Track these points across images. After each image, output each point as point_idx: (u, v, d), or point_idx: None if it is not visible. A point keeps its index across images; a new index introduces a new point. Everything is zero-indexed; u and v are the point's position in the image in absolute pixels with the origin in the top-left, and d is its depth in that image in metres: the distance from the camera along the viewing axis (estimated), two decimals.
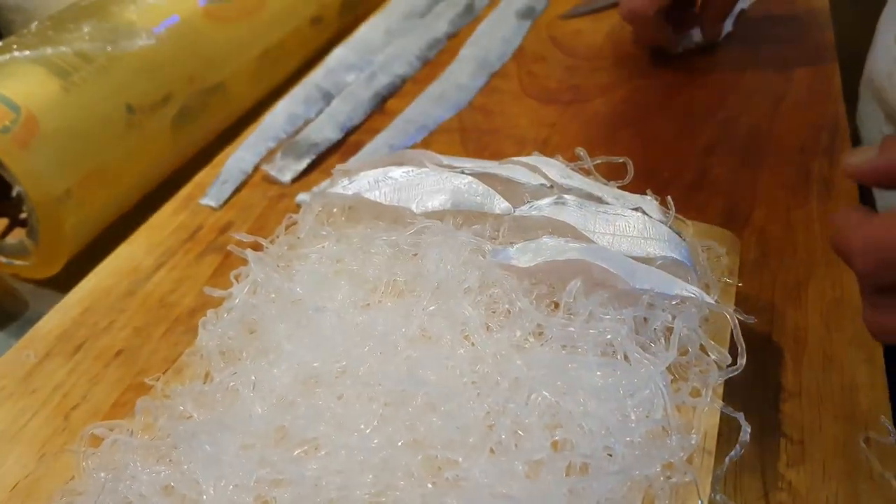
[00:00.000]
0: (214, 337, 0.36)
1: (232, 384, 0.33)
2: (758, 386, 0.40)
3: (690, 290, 0.34)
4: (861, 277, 0.34)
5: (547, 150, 0.58)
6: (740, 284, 0.40)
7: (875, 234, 0.32)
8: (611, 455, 0.28)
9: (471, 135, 0.60)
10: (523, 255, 0.34)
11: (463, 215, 0.38)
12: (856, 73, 0.67)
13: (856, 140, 0.64)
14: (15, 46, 0.51)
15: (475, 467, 0.28)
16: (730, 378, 0.35)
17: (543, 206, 0.36)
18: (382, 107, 0.63)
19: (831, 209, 0.52)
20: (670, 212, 0.38)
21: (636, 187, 0.42)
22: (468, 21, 0.74)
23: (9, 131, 0.46)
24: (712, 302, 0.34)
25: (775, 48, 0.69)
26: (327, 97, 0.63)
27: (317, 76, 0.65)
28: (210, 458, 0.29)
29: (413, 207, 0.38)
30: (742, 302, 0.41)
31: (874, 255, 0.32)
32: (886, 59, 0.61)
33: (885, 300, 0.33)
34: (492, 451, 0.29)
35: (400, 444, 0.29)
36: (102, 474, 0.31)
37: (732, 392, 0.38)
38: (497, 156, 0.57)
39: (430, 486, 0.28)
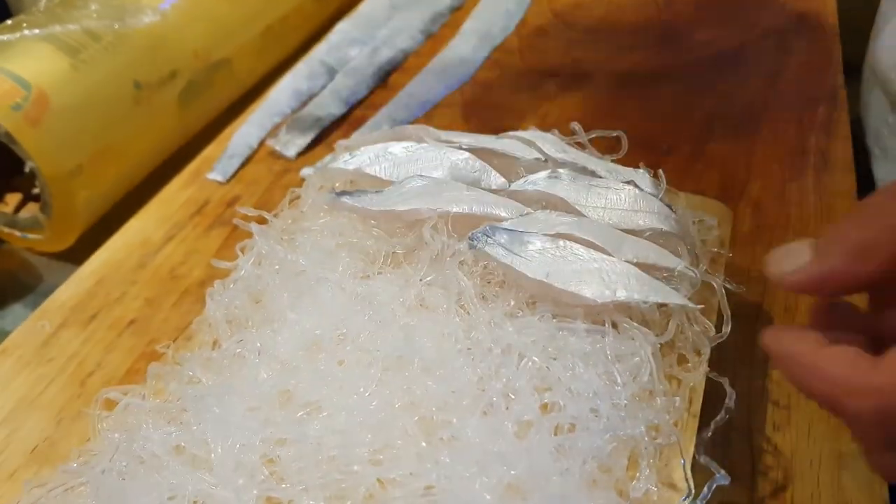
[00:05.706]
0: (222, 306, 0.37)
1: (238, 351, 0.35)
2: (748, 353, 0.41)
3: (677, 260, 0.35)
4: (863, 437, 0.27)
5: (547, 122, 0.58)
6: (730, 255, 0.41)
7: (885, 401, 0.24)
8: (596, 416, 0.30)
9: (472, 109, 0.60)
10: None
11: None
12: (860, 46, 0.65)
13: (858, 125, 0.63)
14: (25, 25, 0.51)
15: (468, 427, 0.29)
16: (722, 345, 0.35)
17: (538, 181, 0.37)
18: (385, 81, 0.64)
19: (827, 182, 0.53)
20: (662, 184, 0.39)
21: (634, 159, 0.42)
22: None
23: (21, 108, 0.47)
24: (696, 273, 0.35)
25: (776, 19, 0.69)
26: (331, 72, 0.64)
27: (320, 51, 0.65)
28: (218, 420, 0.31)
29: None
30: (736, 272, 0.42)
31: (884, 427, 0.25)
32: (893, 50, 0.57)
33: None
34: (484, 412, 0.30)
35: (397, 405, 0.31)
36: (116, 435, 0.33)
37: (724, 359, 0.39)
38: (497, 130, 0.57)
39: (424, 444, 0.29)
